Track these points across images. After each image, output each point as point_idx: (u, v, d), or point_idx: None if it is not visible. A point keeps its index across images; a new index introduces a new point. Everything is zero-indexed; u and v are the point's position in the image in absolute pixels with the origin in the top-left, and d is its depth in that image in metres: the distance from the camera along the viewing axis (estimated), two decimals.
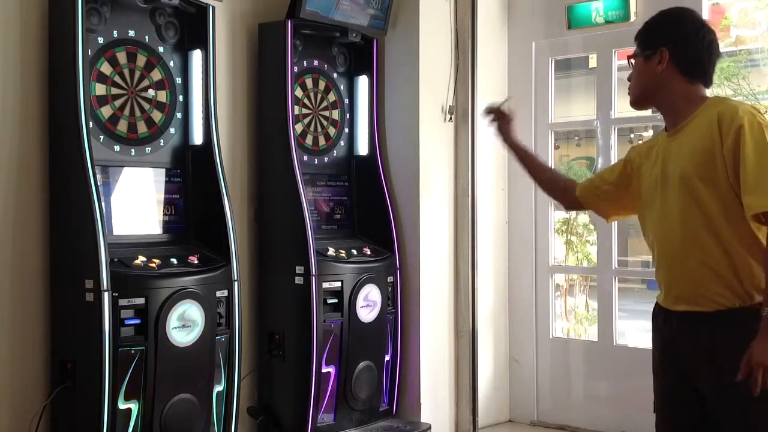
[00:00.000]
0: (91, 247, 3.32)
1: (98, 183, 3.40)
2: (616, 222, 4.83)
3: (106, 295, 3.30)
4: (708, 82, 2.59)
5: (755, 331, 2.34)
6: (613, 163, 3.03)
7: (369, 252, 4.53)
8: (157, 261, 3.57)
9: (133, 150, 3.73)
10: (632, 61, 2.64)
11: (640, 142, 2.72)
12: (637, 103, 2.68)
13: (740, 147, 2.36)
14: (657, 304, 2.62)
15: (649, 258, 2.74)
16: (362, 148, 4.73)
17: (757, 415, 2.38)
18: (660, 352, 2.64)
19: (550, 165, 3.02)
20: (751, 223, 2.40)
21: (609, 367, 4.94)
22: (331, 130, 4.65)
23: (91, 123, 3.46)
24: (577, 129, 7.18)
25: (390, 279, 4.59)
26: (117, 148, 3.66)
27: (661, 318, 2.60)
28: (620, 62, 4.89)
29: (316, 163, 4.56)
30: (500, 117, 3.02)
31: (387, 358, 4.57)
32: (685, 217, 2.47)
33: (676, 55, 2.53)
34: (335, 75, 4.66)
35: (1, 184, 3.51)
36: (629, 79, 2.66)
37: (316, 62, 4.56)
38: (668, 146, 2.56)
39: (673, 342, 2.56)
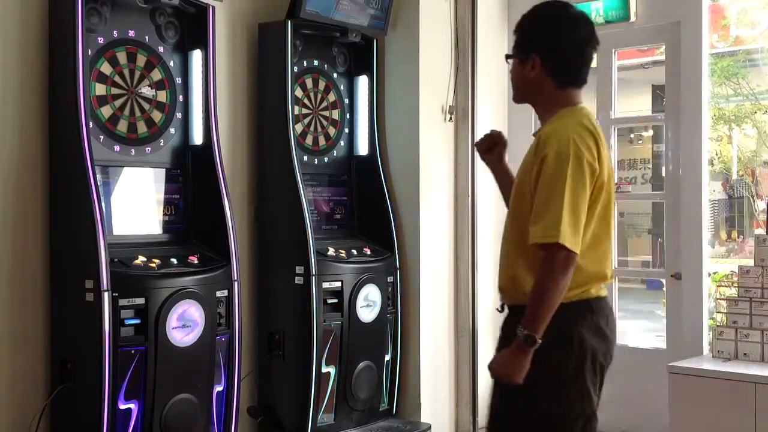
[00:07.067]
0: (91, 247, 3.32)
1: (98, 183, 3.40)
2: (616, 222, 4.84)
3: (106, 295, 3.30)
4: (581, 82, 2.59)
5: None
6: None
7: (369, 252, 4.53)
8: (157, 261, 3.57)
9: (133, 150, 3.73)
10: (509, 60, 2.64)
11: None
12: (516, 100, 2.70)
13: (541, 174, 2.39)
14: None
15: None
16: (362, 148, 4.73)
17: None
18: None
19: None
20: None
21: (609, 367, 4.92)
22: (331, 130, 4.65)
23: (91, 123, 3.46)
24: None
25: (390, 279, 4.58)
26: (117, 148, 3.66)
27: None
28: (620, 62, 4.89)
29: (316, 163, 4.56)
30: (496, 142, 2.87)
31: (387, 358, 4.57)
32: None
33: (546, 61, 2.53)
34: (335, 75, 4.66)
35: (1, 184, 3.51)
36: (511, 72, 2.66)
37: (316, 62, 4.56)
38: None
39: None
